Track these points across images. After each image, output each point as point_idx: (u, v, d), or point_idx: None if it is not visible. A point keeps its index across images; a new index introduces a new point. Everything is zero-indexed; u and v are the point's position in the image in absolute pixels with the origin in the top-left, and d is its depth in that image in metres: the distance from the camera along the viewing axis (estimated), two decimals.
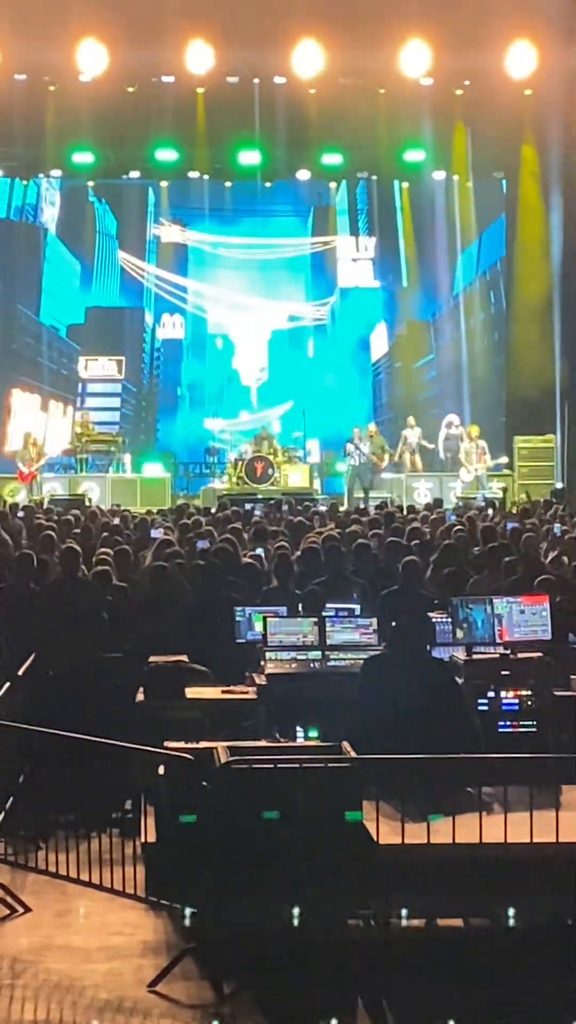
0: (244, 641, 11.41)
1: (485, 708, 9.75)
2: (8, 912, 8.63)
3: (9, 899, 8.71)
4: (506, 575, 12.87)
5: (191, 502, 26.62)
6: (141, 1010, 7.28)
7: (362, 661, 9.82)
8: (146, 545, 16.16)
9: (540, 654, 10.15)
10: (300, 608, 11.77)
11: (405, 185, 34.67)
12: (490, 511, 22.35)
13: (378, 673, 9.27)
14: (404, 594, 12.37)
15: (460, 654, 10.22)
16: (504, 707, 9.80)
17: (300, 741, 9.65)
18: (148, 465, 31.92)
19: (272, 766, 7.58)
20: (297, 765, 7.56)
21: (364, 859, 7.41)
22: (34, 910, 8.67)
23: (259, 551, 15.51)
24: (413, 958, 7.57)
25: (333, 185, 35.71)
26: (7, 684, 9.89)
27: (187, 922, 7.89)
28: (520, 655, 10.11)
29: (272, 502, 24.38)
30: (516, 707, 9.80)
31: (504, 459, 29.72)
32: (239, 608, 11.60)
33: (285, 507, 22.86)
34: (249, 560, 14.45)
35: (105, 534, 16.77)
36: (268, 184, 33.91)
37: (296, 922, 7.32)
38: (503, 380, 32.68)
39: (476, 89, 29.25)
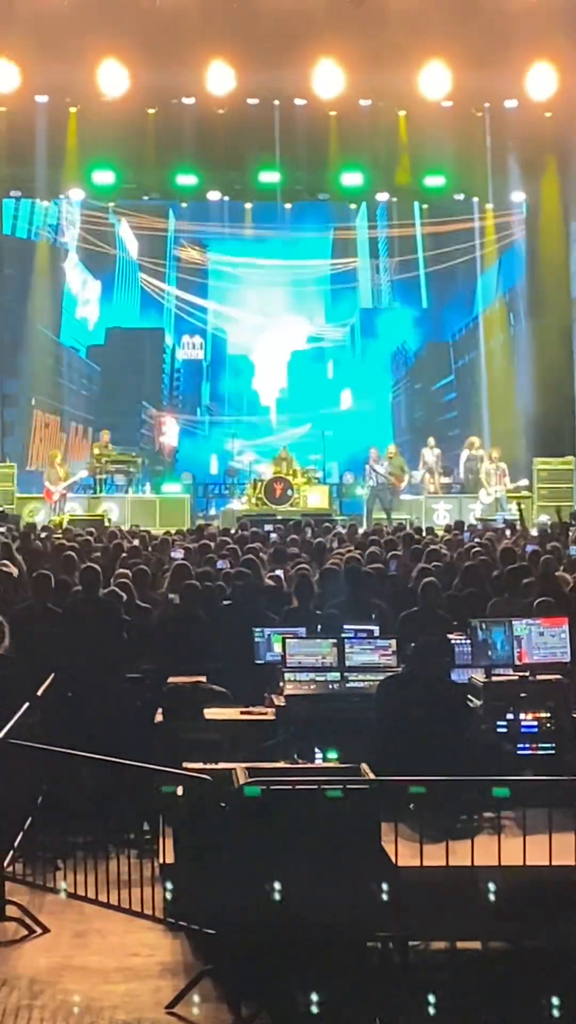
0: (263, 662, 11.39)
1: (504, 730, 9.74)
2: (26, 932, 8.62)
3: (27, 919, 8.71)
4: (524, 597, 12.84)
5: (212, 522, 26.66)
6: None
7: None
8: (165, 565, 16.12)
9: (559, 676, 10.13)
10: (319, 629, 11.76)
11: (425, 206, 34.68)
12: (508, 532, 22.29)
13: (393, 693, 9.26)
14: (423, 616, 12.34)
15: (479, 676, 10.21)
16: (523, 729, 9.79)
17: (319, 762, 9.63)
18: (167, 485, 31.93)
19: (291, 787, 7.57)
20: (316, 787, 7.55)
21: (383, 880, 7.39)
22: (52, 931, 8.67)
23: (278, 572, 15.49)
24: (432, 981, 7.53)
25: (353, 206, 35.76)
26: (26, 704, 9.89)
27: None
28: (539, 677, 10.09)
29: (291, 523, 24.33)
30: (535, 729, 9.78)
31: (524, 482, 29.65)
32: (258, 629, 11.58)
33: (307, 529, 22.77)
34: (270, 581, 14.45)
35: (125, 554, 16.75)
36: (288, 205, 33.94)
37: (314, 944, 7.29)
38: (523, 401, 32.62)
39: (496, 111, 29.29)
